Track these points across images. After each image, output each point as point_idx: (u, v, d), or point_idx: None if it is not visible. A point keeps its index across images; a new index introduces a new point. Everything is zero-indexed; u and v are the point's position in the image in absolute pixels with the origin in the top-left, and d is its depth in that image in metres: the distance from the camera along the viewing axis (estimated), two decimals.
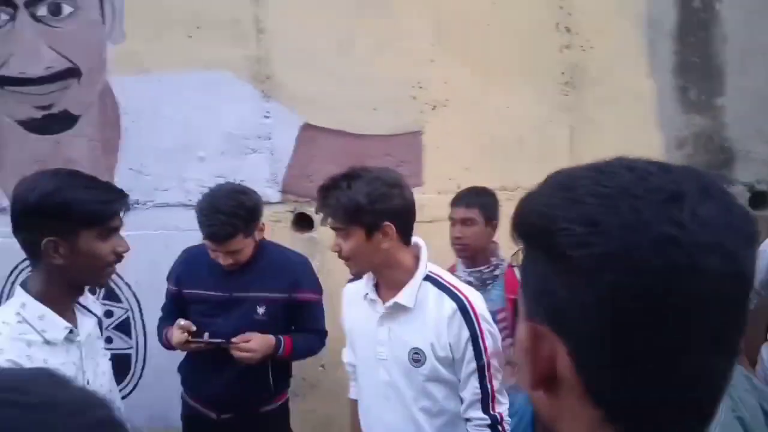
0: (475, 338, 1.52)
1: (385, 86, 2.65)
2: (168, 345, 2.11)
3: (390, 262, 1.57)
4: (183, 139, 2.63)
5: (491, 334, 1.54)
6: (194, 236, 2.66)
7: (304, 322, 2.12)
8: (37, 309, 1.32)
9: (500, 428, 1.55)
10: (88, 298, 1.53)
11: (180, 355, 2.18)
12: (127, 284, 2.66)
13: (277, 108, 2.64)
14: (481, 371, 1.53)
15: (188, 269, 2.16)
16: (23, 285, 1.38)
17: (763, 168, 2.81)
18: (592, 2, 2.69)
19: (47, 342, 1.32)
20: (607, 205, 0.45)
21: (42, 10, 2.52)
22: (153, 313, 2.67)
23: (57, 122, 2.59)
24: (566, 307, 0.46)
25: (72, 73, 2.56)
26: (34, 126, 2.58)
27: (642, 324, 0.43)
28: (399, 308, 1.57)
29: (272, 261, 2.09)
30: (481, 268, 2.28)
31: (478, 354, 1.52)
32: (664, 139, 2.75)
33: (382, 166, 2.65)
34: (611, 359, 0.44)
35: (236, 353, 1.94)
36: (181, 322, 2.01)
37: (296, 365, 2.77)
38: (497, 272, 2.28)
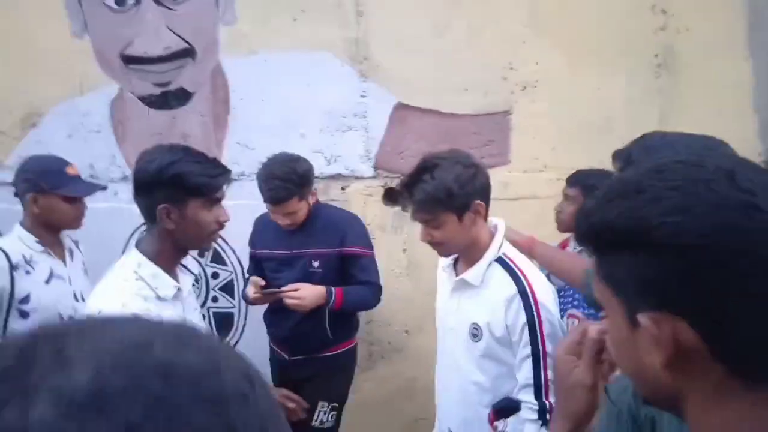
0: (532, 325, 1.51)
1: (477, 67, 2.74)
2: (246, 299, 2.43)
3: (476, 240, 1.62)
4: (286, 117, 2.81)
5: (550, 323, 1.52)
6: None
7: (356, 275, 2.33)
8: (150, 268, 1.48)
9: (549, 417, 1.49)
10: (188, 258, 1.67)
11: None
12: (232, 249, 2.88)
13: (372, 88, 2.77)
14: (536, 358, 1.51)
15: (258, 233, 2.48)
16: (137, 245, 1.55)
17: None
18: None
19: (159, 298, 1.47)
20: (687, 193, 0.53)
21: None
22: None
23: (173, 98, 2.82)
24: (678, 287, 0.52)
25: (188, 53, 2.77)
26: (153, 101, 2.82)
27: (749, 280, 0.51)
28: (466, 284, 1.63)
29: (325, 221, 2.33)
30: None
31: (534, 341, 1.51)
32: (759, 125, 2.73)
33: (470, 145, 2.79)
34: (730, 318, 0.52)
35: (287, 301, 2.17)
36: (252, 278, 2.34)
37: (382, 330, 2.96)
38: None
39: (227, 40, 2.77)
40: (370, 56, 2.75)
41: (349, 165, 2.83)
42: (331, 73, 2.77)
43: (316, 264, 2.28)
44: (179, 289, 1.54)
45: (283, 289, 2.21)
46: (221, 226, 1.56)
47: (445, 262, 1.75)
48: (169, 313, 1.47)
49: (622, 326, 0.59)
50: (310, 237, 2.29)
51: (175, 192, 1.47)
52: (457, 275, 1.67)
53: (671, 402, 0.59)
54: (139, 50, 2.77)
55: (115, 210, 2.88)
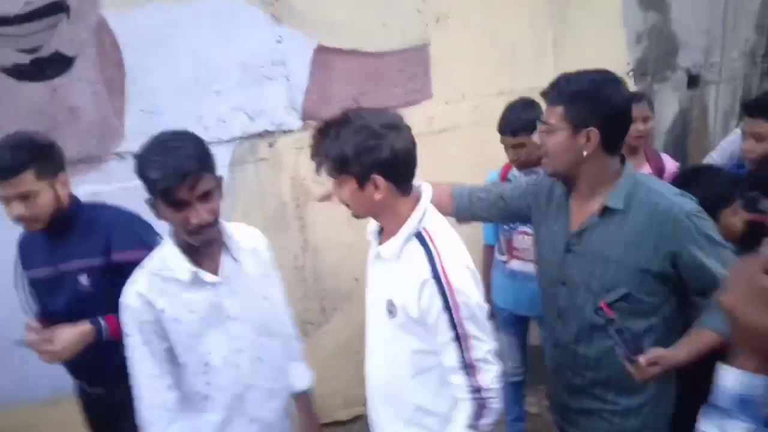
0: (447, 309, 1.42)
1: (392, 2, 2.69)
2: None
3: (385, 211, 1.49)
4: (195, 73, 2.47)
5: (467, 306, 1.42)
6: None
7: None
8: (170, 252, 1.56)
9: (484, 396, 1.46)
10: (234, 240, 1.64)
11: None
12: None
13: (288, 32, 2.56)
14: (458, 341, 1.43)
15: (25, 251, 1.93)
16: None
17: (699, 55, 3.34)
18: None
19: (177, 279, 1.54)
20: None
21: None
22: None
23: (49, 66, 2.29)
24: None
25: (58, 7, 2.24)
26: (23, 72, 2.27)
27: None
28: (380, 257, 1.53)
29: (87, 223, 1.83)
30: (537, 168, 2.43)
31: (452, 325, 1.42)
32: (627, 39, 3.14)
33: (394, 83, 2.78)
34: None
35: (40, 357, 1.71)
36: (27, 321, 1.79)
37: (331, 278, 2.93)
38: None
39: None
40: None
41: (275, 119, 2.64)
42: (241, 20, 2.48)
43: (84, 281, 1.80)
44: (196, 275, 1.54)
45: (29, 339, 1.70)
46: (196, 229, 1.47)
47: (372, 226, 1.61)
48: (193, 295, 1.55)
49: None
50: (75, 244, 1.81)
51: (150, 193, 1.47)
52: (379, 244, 1.56)
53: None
54: None
55: None
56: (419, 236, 1.47)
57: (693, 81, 3.37)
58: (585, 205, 1.62)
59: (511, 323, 2.67)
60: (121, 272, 1.65)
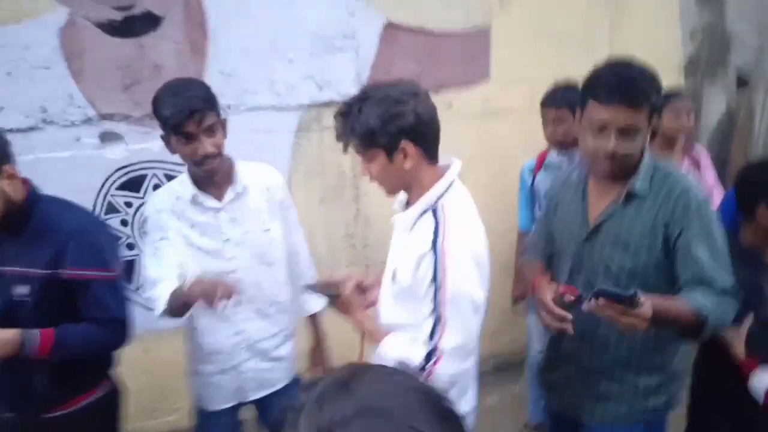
0: (434, 285, 1.40)
1: None
2: None
3: (414, 182, 1.49)
4: (271, 40, 2.62)
5: (453, 291, 1.39)
6: (284, 139, 2.78)
7: (87, 308, 1.66)
8: (183, 178, 1.85)
9: (426, 374, 1.39)
10: (250, 176, 1.89)
11: None
12: None
13: (361, 6, 2.70)
14: (435, 322, 1.40)
15: None
16: None
17: (751, 54, 3.41)
18: None
19: (184, 199, 1.81)
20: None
21: None
22: None
23: (139, 23, 2.44)
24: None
25: None
26: (115, 28, 2.42)
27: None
28: (396, 225, 1.58)
29: (44, 222, 1.65)
30: (573, 150, 2.56)
31: (434, 302, 1.40)
32: (681, 32, 3.22)
33: (455, 62, 2.89)
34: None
35: None
36: None
37: (378, 248, 3.05)
38: None
39: None
40: None
41: (341, 89, 2.77)
42: None
43: (22, 290, 1.61)
44: (196, 196, 1.81)
45: None
46: (200, 159, 1.72)
47: (401, 196, 1.60)
48: (198, 216, 1.83)
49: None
50: (18, 248, 1.63)
51: (161, 126, 1.73)
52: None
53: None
54: None
55: (79, 158, 2.52)
56: (435, 211, 1.46)
57: (742, 81, 3.44)
58: (605, 192, 1.61)
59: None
60: (68, 289, 1.62)
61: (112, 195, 2.62)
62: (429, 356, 1.39)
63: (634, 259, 1.56)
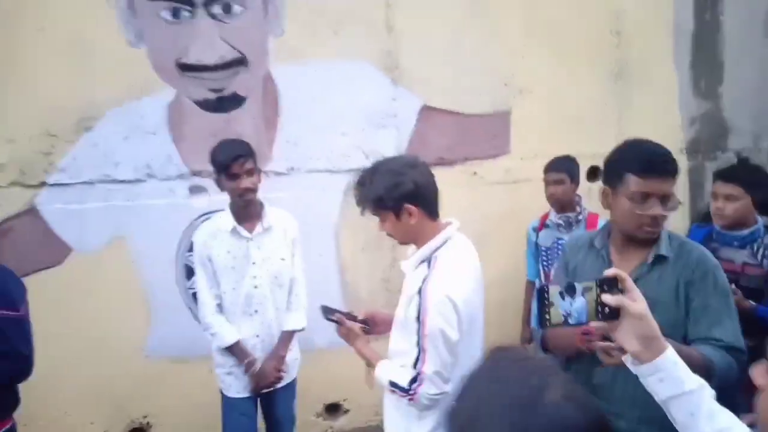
0: (418, 321, 1.69)
1: (485, 75, 3.40)
2: None
3: (419, 235, 1.79)
4: (329, 118, 3.24)
5: (431, 327, 1.66)
6: (335, 197, 3.34)
7: None
8: (226, 212, 2.50)
9: (411, 395, 1.71)
10: (274, 218, 2.56)
11: None
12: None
13: (402, 92, 3.31)
14: (419, 350, 1.69)
15: None
16: None
17: (747, 139, 3.84)
18: (634, 13, 3.54)
19: (223, 230, 2.46)
20: None
21: (216, 9, 3.01)
22: (305, 259, 3.34)
23: (228, 102, 3.11)
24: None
25: (240, 61, 3.08)
26: (209, 105, 3.10)
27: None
28: (403, 273, 1.88)
29: None
30: (569, 214, 3.10)
31: (418, 335, 1.69)
32: (681, 119, 3.70)
33: (479, 138, 3.44)
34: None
35: None
36: None
37: None
38: (580, 217, 3.11)
39: (277, 50, 3.13)
40: (400, 65, 3.28)
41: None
42: (368, 80, 3.26)
43: None
44: (234, 228, 2.45)
45: None
46: (241, 191, 2.40)
47: (410, 249, 1.90)
48: (231, 244, 2.47)
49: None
50: None
51: (215, 170, 2.45)
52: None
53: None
54: (194, 59, 3.03)
55: (171, 206, 3.15)
56: (429, 261, 1.76)
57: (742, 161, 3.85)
58: (628, 257, 1.73)
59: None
60: None
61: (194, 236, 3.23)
62: (414, 380, 1.72)
63: (662, 317, 1.56)
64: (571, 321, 1.08)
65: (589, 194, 3.41)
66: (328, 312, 2.03)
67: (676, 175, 1.65)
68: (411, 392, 1.72)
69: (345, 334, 2.00)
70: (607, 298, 1.04)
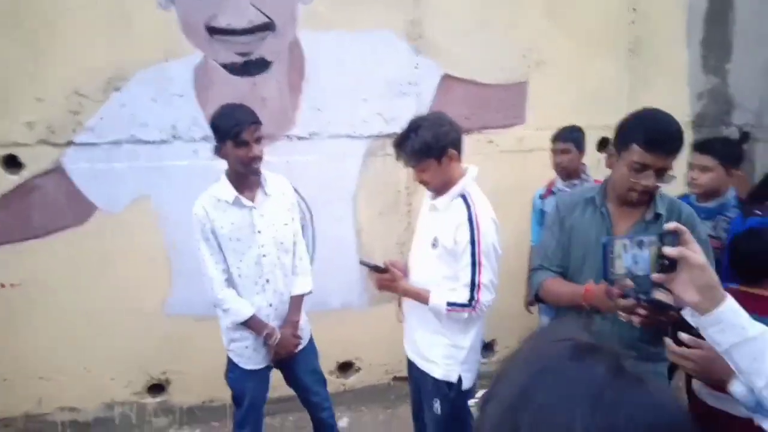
0: (472, 243, 2.04)
1: (504, 48, 3.47)
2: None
3: (454, 177, 2.13)
4: (352, 84, 3.29)
5: (485, 244, 2.05)
6: (355, 162, 3.41)
7: None
8: (223, 182, 2.38)
9: (475, 306, 2.07)
10: (268, 182, 2.45)
11: None
12: (303, 198, 3.36)
13: (424, 61, 3.37)
14: (473, 266, 2.04)
15: None
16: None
17: (751, 116, 3.97)
18: None
19: (225, 201, 2.34)
20: None
21: None
22: (323, 222, 3.42)
23: (254, 67, 3.15)
24: None
25: (269, 26, 3.11)
26: (236, 69, 3.13)
27: None
28: (435, 208, 2.18)
29: None
30: (575, 181, 3.21)
31: (472, 253, 2.04)
32: (689, 93, 3.81)
33: (497, 108, 3.52)
34: None
35: None
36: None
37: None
38: (586, 185, 3.22)
39: (305, 16, 3.17)
40: (424, 34, 3.33)
41: (403, 125, 3.38)
42: (391, 48, 3.31)
43: None
44: (237, 197, 2.33)
45: None
46: (250, 160, 2.29)
47: (429, 191, 2.27)
48: (234, 214, 2.36)
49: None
50: None
51: (218, 137, 2.32)
52: (433, 200, 2.23)
53: None
54: (223, 23, 3.06)
55: (195, 167, 3.20)
56: (462, 196, 2.12)
57: (744, 138, 3.99)
58: (626, 215, 1.89)
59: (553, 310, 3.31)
60: None
61: None
62: (473, 292, 2.06)
63: None
64: (637, 272, 1.13)
65: (598, 165, 3.54)
66: (368, 264, 2.27)
67: (678, 152, 1.75)
68: (473, 302, 2.06)
69: (388, 281, 2.24)
70: (669, 250, 1.08)
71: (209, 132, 3.17)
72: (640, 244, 1.13)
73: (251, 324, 2.43)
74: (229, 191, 2.35)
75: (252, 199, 2.40)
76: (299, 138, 3.28)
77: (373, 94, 3.34)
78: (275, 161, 3.17)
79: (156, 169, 3.17)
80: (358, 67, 3.28)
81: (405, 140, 2.11)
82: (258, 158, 2.33)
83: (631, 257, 1.13)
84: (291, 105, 3.25)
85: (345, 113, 3.33)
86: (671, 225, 1.11)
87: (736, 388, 1.19)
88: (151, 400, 3.52)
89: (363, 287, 3.57)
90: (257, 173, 2.39)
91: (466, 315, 2.09)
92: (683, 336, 1.33)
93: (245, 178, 2.36)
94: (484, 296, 2.07)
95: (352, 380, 3.76)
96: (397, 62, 3.33)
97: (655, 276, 1.11)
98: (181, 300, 3.36)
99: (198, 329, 3.40)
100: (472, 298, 2.06)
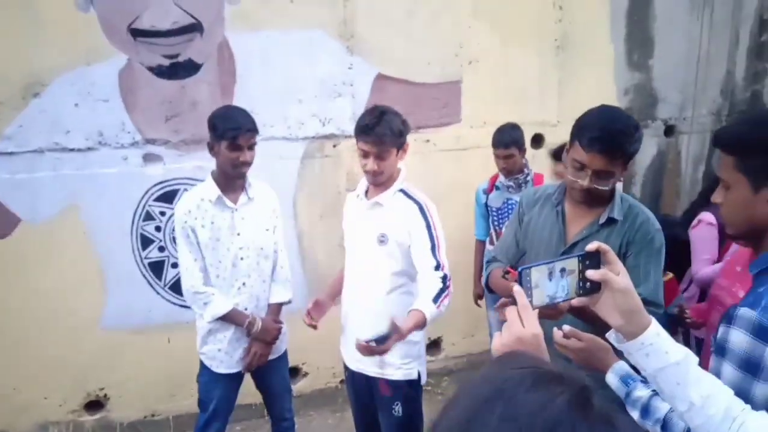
0: (428, 228, 2.13)
1: (437, 46, 3.50)
2: None
3: (394, 171, 2.19)
4: (285, 85, 3.25)
5: (438, 228, 2.17)
6: (292, 164, 3.39)
7: None
8: (208, 182, 2.40)
9: (448, 283, 2.08)
10: (252, 187, 2.47)
11: None
12: None
13: (358, 61, 3.36)
14: (433, 249, 2.10)
15: None
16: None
17: (674, 109, 4.15)
18: None
19: (208, 200, 2.35)
20: None
21: None
22: None
23: (182, 69, 3.07)
24: None
25: (195, 27, 3.04)
26: (163, 72, 3.05)
27: None
28: (378, 204, 2.21)
29: None
30: (518, 176, 3.26)
31: (430, 237, 2.12)
32: (616, 89, 3.95)
33: (432, 107, 3.56)
34: None
35: None
36: None
37: None
38: (528, 178, 3.29)
39: (233, 17, 3.11)
40: (356, 34, 3.33)
41: (340, 125, 3.41)
42: (324, 48, 3.29)
43: None
44: (220, 198, 2.36)
45: None
46: (240, 164, 2.32)
47: (358, 191, 2.31)
48: (216, 213, 2.38)
49: (744, 194, 1.18)
50: None
51: (214, 135, 2.34)
52: (367, 198, 2.25)
53: (757, 235, 1.20)
54: (147, 24, 2.97)
55: (125, 174, 3.10)
56: (402, 191, 2.20)
57: (669, 130, 4.17)
58: (581, 216, 1.85)
59: None
60: None
61: (149, 205, 3.19)
62: (444, 278, 2.08)
63: None
64: (558, 300, 1.04)
65: (533, 160, 3.62)
66: (381, 341, 1.94)
67: (616, 156, 1.67)
68: (447, 281, 2.09)
69: (395, 341, 1.96)
70: (591, 273, 1.02)
71: (138, 138, 3.12)
72: (562, 271, 1.03)
73: (231, 316, 2.41)
74: (213, 190, 2.38)
75: (234, 201, 2.42)
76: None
77: (308, 95, 3.32)
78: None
79: (83, 177, 3.05)
80: (291, 68, 3.26)
81: (376, 123, 2.08)
82: (247, 163, 2.37)
83: (554, 283, 1.03)
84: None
85: (280, 115, 3.29)
86: (593, 245, 1.05)
87: (611, 379, 1.24)
88: (89, 418, 3.39)
89: (307, 291, 3.53)
90: (243, 177, 2.42)
91: (447, 301, 2.07)
92: (565, 328, 1.34)
93: (231, 180, 2.39)
94: (447, 270, 2.12)
95: (300, 385, 3.72)
96: (330, 62, 3.32)
97: (575, 301, 1.05)
98: (116, 312, 3.25)
99: (136, 341, 3.30)
100: (444, 277, 2.08)
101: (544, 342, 0.93)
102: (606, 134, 1.65)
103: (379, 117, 2.10)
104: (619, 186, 1.92)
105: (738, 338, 1.12)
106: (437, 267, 2.09)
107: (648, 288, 1.74)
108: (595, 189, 1.73)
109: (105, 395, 3.38)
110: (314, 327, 2.37)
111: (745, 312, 1.13)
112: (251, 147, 2.37)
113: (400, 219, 2.16)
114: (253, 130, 2.36)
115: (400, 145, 2.15)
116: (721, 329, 1.18)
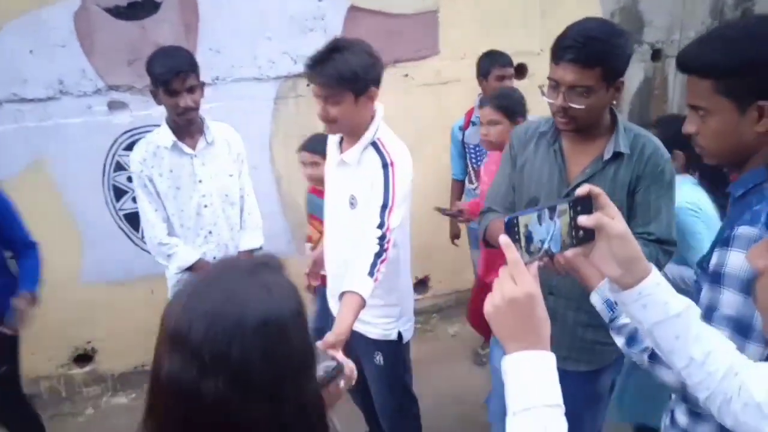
0: (387, 186, 1.79)
1: None
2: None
3: (364, 121, 1.83)
4: (253, 23, 3.09)
5: (401, 191, 1.80)
6: (265, 106, 3.25)
7: None
8: (163, 127, 2.29)
9: (386, 246, 1.73)
10: (216, 132, 2.39)
11: None
12: None
13: None
14: (384, 208, 1.76)
15: None
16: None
17: (661, 32, 3.99)
18: None
19: (163, 147, 2.25)
20: None
21: None
22: None
23: (141, 9, 2.88)
24: None
25: None
26: (121, 13, 2.87)
27: None
28: (345, 163, 1.91)
29: None
30: None
31: (385, 197, 1.77)
32: (602, 12, 3.79)
33: (409, 39, 3.40)
34: None
35: None
36: None
37: None
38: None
39: None
40: None
41: None
42: None
43: None
44: (175, 144, 2.26)
45: None
46: (182, 109, 2.22)
47: (334, 138, 1.99)
48: (174, 160, 2.28)
49: (729, 118, 1.08)
50: None
51: (152, 82, 2.20)
52: (341, 153, 1.94)
53: (743, 158, 1.11)
54: None
55: (90, 124, 2.97)
56: (374, 145, 1.84)
57: (656, 54, 4.03)
58: (581, 152, 1.67)
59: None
60: None
61: (119, 155, 3.08)
62: (382, 238, 1.74)
63: None
64: (553, 249, 0.91)
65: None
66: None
67: (590, 65, 1.48)
68: (384, 249, 1.72)
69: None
70: (583, 219, 0.89)
71: (101, 84, 2.98)
72: (552, 210, 0.89)
73: (198, 267, 2.31)
74: (167, 136, 2.27)
75: (193, 147, 2.31)
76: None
77: (278, 32, 3.15)
78: None
79: (47, 129, 2.92)
80: (258, 4, 3.07)
81: (325, 60, 1.73)
82: (189, 109, 2.20)
83: (545, 230, 0.89)
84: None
85: (249, 54, 3.13)
86: (584, 189, 0.91)
87: (595, 300, 1.16)
88: (79, 371, 3.40)
89: (291, 236, 3.48)
90: (191, 123, 2.27)
91: (384, 267, 1.75)
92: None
93: (185, 125, 2.27)
94: (390, 236, 1.78)
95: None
96: None
97: (568, 252, 0.93)
98: (95, 266, 3.20)
99: (119, 294, 3.26)
100: (382, 237, 1.74)
101: (541, 303, 0.81)
102: (576, 42, 1.48)
103: (329, 53, 1.74)
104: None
105: (739, 259, 1.05)
106: (380, 225, 1.76)
107: (660, 226, 1.61)
108: (570, 108, 1.53)
109: (92, 348, 3.37)
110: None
111: (744, 230, 1.06)
112: (191, 90, 2.19)
113: (366, 181, 1.85)
114: (187, 69, 2.15)
115: (360, 90, 1.77)
116: (716, 255, 1.11)
